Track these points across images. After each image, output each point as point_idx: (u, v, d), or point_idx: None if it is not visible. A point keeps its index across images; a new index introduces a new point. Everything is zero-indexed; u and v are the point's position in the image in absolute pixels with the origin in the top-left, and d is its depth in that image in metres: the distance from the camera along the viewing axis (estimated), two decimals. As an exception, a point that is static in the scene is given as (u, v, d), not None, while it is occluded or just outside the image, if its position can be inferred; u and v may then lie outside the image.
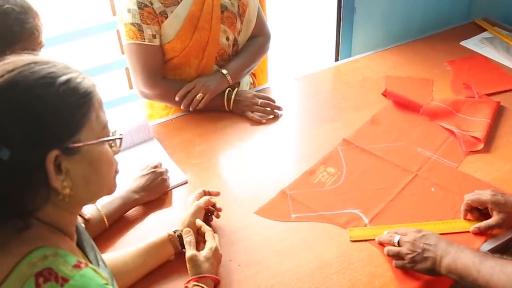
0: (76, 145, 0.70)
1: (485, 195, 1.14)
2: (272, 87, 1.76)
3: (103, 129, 0.76)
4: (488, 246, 1.12)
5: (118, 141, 0.79)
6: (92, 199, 0.79)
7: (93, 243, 0.88)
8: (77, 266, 0.68)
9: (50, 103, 0.68)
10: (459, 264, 0.95)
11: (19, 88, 0.67)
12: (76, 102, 0.71)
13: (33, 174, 0.68)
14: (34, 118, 0.67)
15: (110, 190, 0.81)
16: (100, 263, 0.84)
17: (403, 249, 1.05)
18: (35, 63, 0.70)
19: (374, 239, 1.13)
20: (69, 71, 0.72)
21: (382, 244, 1.11)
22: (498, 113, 1.54)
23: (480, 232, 1.13)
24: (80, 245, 0.82)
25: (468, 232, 1.14)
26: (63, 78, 0.70)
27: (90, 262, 0.80)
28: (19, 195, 0.68)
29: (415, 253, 1.02)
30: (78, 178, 0.72)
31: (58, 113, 0.69)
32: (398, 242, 1.07)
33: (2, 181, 0.67)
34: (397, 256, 1.06)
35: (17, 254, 0.67)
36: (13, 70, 0.68)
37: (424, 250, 1.01)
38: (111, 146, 0.78)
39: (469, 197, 1.17)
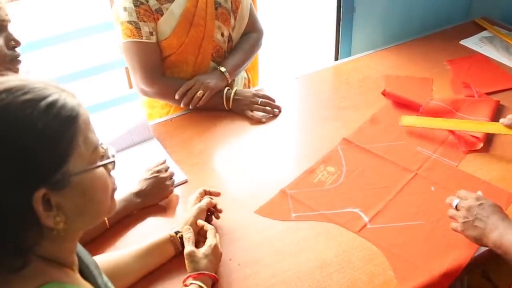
0: (65, 178, 0.64)
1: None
2: (272, 86, 1.76)
3: (94, 151, 0.69)
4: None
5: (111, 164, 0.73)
6: (90, 226, 0.73)
7: (97, 263, 0.84)
8: None
9: (31, 138, 0.61)
10: (505, 240, 0.97)
11: None
12: (60, 130, 0.63)
13: (22, 215, 0.62)
14: (13, 158, 0.60)
15: (109, 212, 0.76)
16: (108, 284, 0.82)
17: (458, 213, 1.08)
18: (7, 91, 0.62)
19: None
20: (48, 92, 0.64)
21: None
22: (498, 112, 1.54)
23: None
24: (84, 271, 0.78)
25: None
26: (43, 104, 0.62)
27: (99, 286, 0.77)
28: (11, 236, 0.63)
29: (467, 220, 1.05)
30: (71, 210, 0.66)
31: (41, 148, 0.62)
32: (456, 206, 1.09)
33: None
34: (454, 218, 1.09)
35: None
36: None
37: (475, 219, 1.03)
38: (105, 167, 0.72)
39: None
